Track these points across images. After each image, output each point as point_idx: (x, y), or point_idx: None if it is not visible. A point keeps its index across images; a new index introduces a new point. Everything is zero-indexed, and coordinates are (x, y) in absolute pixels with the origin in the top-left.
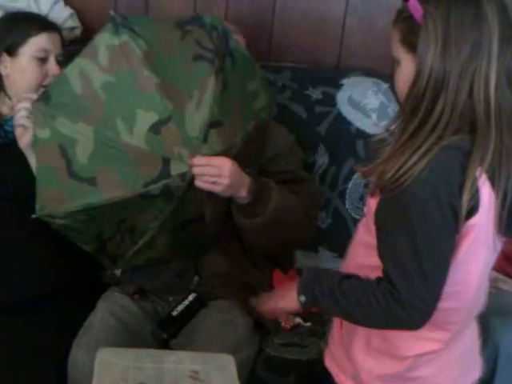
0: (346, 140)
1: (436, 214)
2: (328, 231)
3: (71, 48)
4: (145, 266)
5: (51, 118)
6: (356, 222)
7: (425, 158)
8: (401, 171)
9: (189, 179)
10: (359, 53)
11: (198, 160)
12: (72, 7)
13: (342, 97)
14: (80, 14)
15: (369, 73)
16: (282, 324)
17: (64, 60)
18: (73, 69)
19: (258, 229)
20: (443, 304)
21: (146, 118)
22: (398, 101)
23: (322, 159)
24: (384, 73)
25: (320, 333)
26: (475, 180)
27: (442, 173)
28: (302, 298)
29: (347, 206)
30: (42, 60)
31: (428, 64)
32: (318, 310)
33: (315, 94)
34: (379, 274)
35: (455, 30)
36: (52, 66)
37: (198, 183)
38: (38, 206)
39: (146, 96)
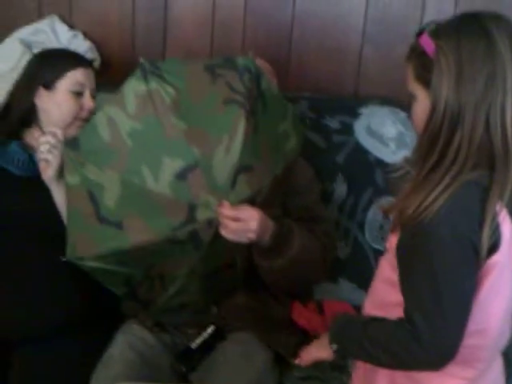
0: (364, 169)
1: (456, 252)
2: (347, 261)
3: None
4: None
5: (80, 165)
6: (376, 252)
7: (444, 194)
8: (421, 208)
9: (216, 225)
10: (376, 81)
11: (226, 211)
12: (91, 40)
13: (359, 126)
14: (99, 46)
15: (386, 101)
16: (297, 361)
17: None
18: (101, 116)
19: (277, 270)
20: (467, 341)
21: (172, 165)
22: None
23: (341, 189)
24: (402, 101)
25: (341, 366)
26: (495, 215)
27: (461, 209)
28: (334, 346)
29: (367, 236)
30: (78, 94)
31: (443, 99)
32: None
33: (333, 123)
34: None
35: (468, 64)
36: (87, 100)
37: (224, 234)
38: (68, 249)
39: (172, 143)
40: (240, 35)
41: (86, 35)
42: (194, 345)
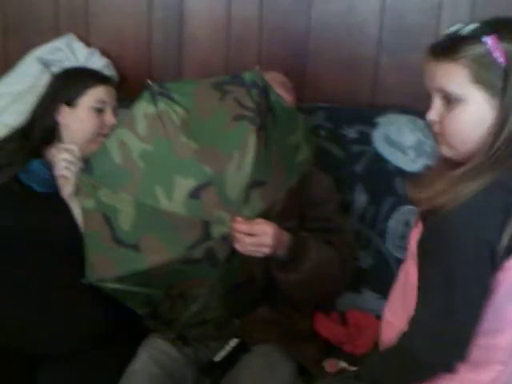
0: (383, 178)
1: (474, 253)
2: (370, 271)
3: None
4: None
5: (94, 189)
6: (398, 261)
7: (475, 192)
8: (449, 200)
9: (231, 241)
10: (393, 90)
11: (240, 226)
12: (108, 57)
13: (378, 135)
14: (116, 63)
15: (404, 110)
16: (327, 368)
17: None
18: (113, 139)
19: (293, 283)
20: (481, 341)
21: (184, 185)
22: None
23: (361, 198)
24: (419, 109)
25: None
26: None
27: (484, 211)
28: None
29: (388, 245)
30: (100, 111)
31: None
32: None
33: (351, 133)
34: None
35: None
36: (108, 116)
37: (239, 248)
38: (87, 272)
39: (183, 163)
40: (255, 49)
41: (103, 52)
42: (217, 358)
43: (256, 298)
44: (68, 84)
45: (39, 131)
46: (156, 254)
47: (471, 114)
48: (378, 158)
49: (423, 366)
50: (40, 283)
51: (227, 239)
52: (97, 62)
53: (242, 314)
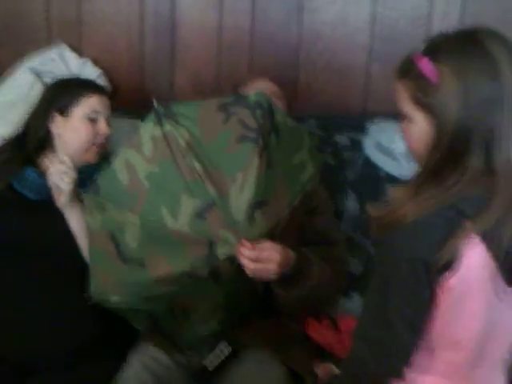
0: (375, 185)
1: (406, 270)
2: (361, 277)
3: None
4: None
5: (101, 209)
6: None
7: (424, 210)
8: (398, 218)
9: (237, 263)
10: (384, 98)
11: (247, 252)
12: (100, 67)
13: (369, 142)
14: (108, 73)
15: (395, 117)
16: (319, 373)
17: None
18: (119, 160)
19: (294, 299)
20: (441, 353)
21: (189, 205)
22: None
23: (353, 205)
24: None
25: None
26: (460, 241)
27: (423, 229)
28: None
29: None
30: (93, 121)
31: (450, 124)
32: None
33: (342, 140)
34: None
35: (474, 89)
36: (102, 125)
37: (246, 272)
38: (91, 288)
39: (189, 184)
40: (247, 58)
41: (95, 62)
42: (208, 364)
43: (253, 307)
44: (62, 93)
45: (33, 140)
46: (161, 269)
47: (416, 132)
48: (370, 165)
49: (373, 375)
50: (30, 293)
51: (233, 261)
52: (89, 72)
53: (238, 324)
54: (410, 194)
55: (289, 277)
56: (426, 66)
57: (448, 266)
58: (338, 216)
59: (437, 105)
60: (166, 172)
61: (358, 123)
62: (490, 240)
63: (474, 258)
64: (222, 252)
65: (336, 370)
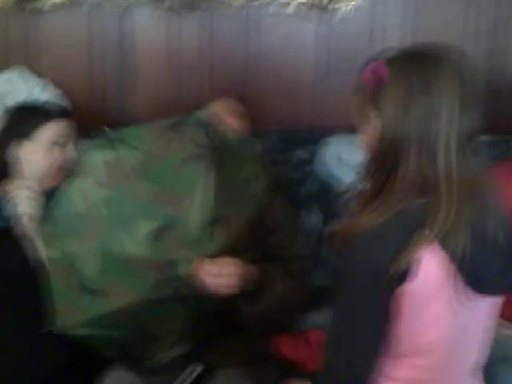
0: (337, 198)
1: (366, 279)
2: (328, 289)
3: None
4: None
5: (59, 239)
6: None
7: (378, 219)
8: (354, 229)
9: (199, 282)
10: (341, 111)
11: (208, 268)
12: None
13: (330, 155)
14: (68, 94)
15: (354, 129)
16: None
17: None
18: (73, 189)
19: (257, 314)
20: (407, 361)
21: (147, 227)
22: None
23: (317, 218)
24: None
25: None
26: (417, 247)
27: (381, 238)
28: None
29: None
30: (60, 145)
31: (390, 126)
32: None
33: (303, 154)
34: None
35: (416, 95)
36: (69, 150)
37: (211, 289)
38: (53, 320)
39: (144, 206)
40: (196, 76)
41: (55, 83)
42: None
43: (221, 327)
44: (26, 117)
45: None
46: (124, 296)
47: (370, 132)
48: (331, 178)
49: None
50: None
51: (193, 276)
52: (50, 93)
53: (207, 344)
54: (364, 204)
55: (252, 292)
56: (381, 65)
57: (406, 273)
58: (302, 230)
59: (383, 104)
60: (122, 196)
61: (317, 136)
62: (447, 246)
63: (432, 265)
64: (183, 271)
65: None
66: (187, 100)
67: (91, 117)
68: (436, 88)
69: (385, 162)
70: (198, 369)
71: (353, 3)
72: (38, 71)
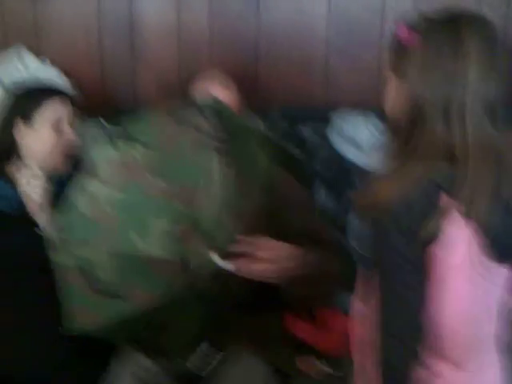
0: (340, 173)
1: (396, 240)
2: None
3: None
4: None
5: (68, 245)
6: (359, 254)
7: (401, 188)
8: (378, 199)
9: (212, 272)
10: (345, 88)
11: (261, 253)
12: (59, 68)
13: (332, 132)
14: (68, 74)
15: (356, 106)
16: (301, 367)
17: None
18: (78, 191)
19: (297, 296)
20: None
21: (158, 225)
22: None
23: (319, 194)
24: (371, 105)
25: (341, 377)
26: (445, 213)
27: (407, 203)
28: None
29: (350, 239)
30: (58, 128)
31: (409, 89)
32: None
33: (306, 131)
34: None
35: (433, 59)
36: (67, 131)
37: (258, 276)
38: (67, 322)
39: (154, 202)
40: (207, 54)
41: (54, 63)
42: (193, 367)
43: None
44: (24, 101)
45: None
46: (141, 298)
47: (388, 94)
48: (334, 154)
49: (397, 364)
50: (11, 305)
51: (207, 270)
52: (48, 71)
53: (219, 326)
54: (389, 172)
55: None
56: (404, 31)
57: (434, 239)
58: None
59: (406, 69)
60: (130, 195)
61: (320, 114)
62: (471, 215)
63: (456, 233)
64: (196, 265)
65: (318, 364)
66: (193, 76)
67: (99, 98)
68: (454, 55)
69: (410, 128)
70: (206, 348)
71: None
72: (42, 51)
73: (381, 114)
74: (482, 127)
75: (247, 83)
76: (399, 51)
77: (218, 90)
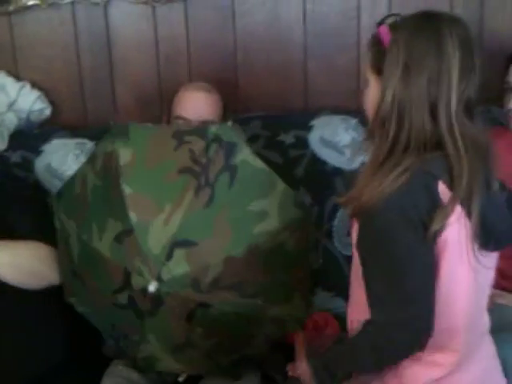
0: (324, 179)
1: (406, 233)
2: (320, 271)
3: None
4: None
5: (59, 212)
6: (347, 258)
7: (397, 181)
8: (373, 196)
9: (152, 297)
10: (324, 92)
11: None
12: (39, 89)
13: (314, 138)
14: (48, 94)
15: (336, 111)
16: (290, 373)
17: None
18: (79, 171)
19: None
20: (437, 325)
21: (113, 227)
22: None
23: (305, 201)
24: (350, 109)
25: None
26: (448, 205)
27: (408, 193)
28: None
29: (336, 244)
30: None
31: (391, 88)
32: None
33: (288, 138)
34: None
35: (417, 58)
36: None
37: None
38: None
39: (116, 205)
40: (185, 65)
41: (34, 85)
42: (181, 378)
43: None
44: None
45: None
46: (92, 288)
47: (370, 96)
48: (317, 161)
49: (398, 343)
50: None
51: (146, 293)
52: (27, 95)
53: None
54: (374, 170)
55: None
56: (383, 31)
57: (442, 229)
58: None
59: (389, 70)
60: (105, 188)
61: (301, 120)
62: (465, 205)
63: (453, 216)
64: (136, 283)
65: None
66: (172, 89)
67: (80, 116)
68: (437, 55)
69: (389, 126)
70: None
71: None
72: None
73: (361, 118)
74: (464, 123)
75: (227, 92)
76: (381, 52)
77: (193, 94)
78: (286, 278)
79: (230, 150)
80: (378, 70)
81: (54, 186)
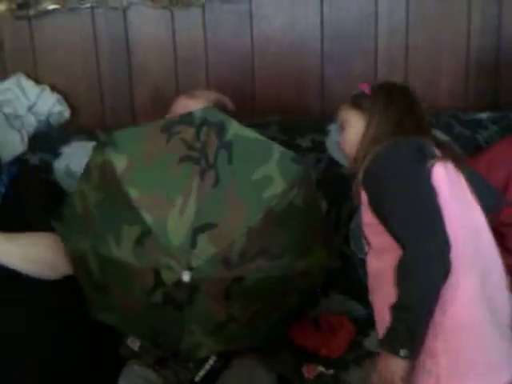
0: (341, 183)
1: (412, 165)
2: (336, 274)
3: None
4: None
5: (68, 236)
6: (363, 261)
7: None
8: (377, 151)
9: (188, 287)
10: (340, 97)
11: None
12: (58, 92)
13: (330, 142)
14: (67, 97)
15: None
16: (305, 375)
17: None
18: (76, 191)
19: None
20: None
21: (130, 233)
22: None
23: (322, 205)
24: None
25: (344, 380)
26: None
27: (407, 143)
28: (403, 352)
29: (352, 247)
30: None
31: (375, 118)
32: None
33: (304, 142)
34: None
35: (388, 101)
36: None
37: None
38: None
39: (127, 211)
40: (203, 69)
41: (53, 88)
42: (197, 378)
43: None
44: None
45: None
46: (116, 295)
47: (352, 133)
48: (333, 164)
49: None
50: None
51: (180, 285)
52: (47, 98)
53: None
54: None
55: None
56: (365, 86)
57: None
58: None
59: (367, 103)
60: (110, 199)
61: (318, 125)
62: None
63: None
64: (168, 278)
65: (321, 369)
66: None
67: (99, 120)
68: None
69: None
70: (211, 360)
71: None
72: (41, 77)
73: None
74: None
75: (244, 97)
76: (362, 97)
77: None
78: (304, 232)
79: (220, 128)
80: (359, 105)
81: (73, 187)
